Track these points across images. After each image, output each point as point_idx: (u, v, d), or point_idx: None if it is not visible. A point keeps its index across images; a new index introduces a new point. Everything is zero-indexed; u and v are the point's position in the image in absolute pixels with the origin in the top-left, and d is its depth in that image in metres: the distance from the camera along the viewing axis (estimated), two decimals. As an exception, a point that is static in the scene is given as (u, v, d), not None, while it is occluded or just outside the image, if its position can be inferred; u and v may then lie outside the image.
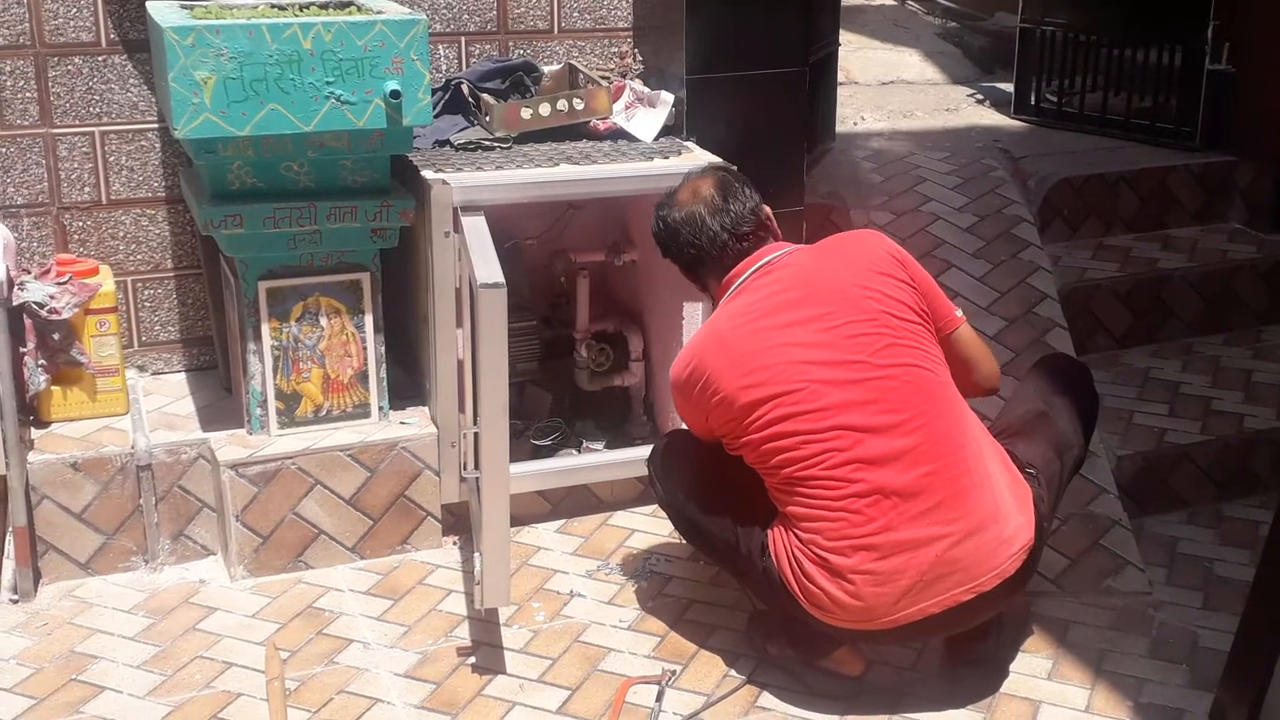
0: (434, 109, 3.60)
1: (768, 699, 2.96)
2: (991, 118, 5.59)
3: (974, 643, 3.02)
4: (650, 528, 3.65)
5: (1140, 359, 4.30)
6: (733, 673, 3.03)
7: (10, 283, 3.29)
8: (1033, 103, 5.51)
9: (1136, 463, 3.76)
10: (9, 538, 3.29)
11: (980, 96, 5.97)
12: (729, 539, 2.98)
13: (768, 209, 3.08)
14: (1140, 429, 3.87)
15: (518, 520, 3.54)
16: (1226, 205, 4.83)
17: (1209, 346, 4.40)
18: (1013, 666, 3.07)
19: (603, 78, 3.86)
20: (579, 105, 3.72)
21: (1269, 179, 4.76)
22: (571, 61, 3.97)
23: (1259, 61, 4.74)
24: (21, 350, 3.36)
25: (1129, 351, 4.34)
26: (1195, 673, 3.06)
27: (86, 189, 3.68)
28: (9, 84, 3.55)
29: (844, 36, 5.47)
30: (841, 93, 5.28)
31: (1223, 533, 3.69)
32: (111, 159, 3.68)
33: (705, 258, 3.01)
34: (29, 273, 3.51)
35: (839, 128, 5.07)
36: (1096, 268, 4.41)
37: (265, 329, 3.37)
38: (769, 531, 2.89)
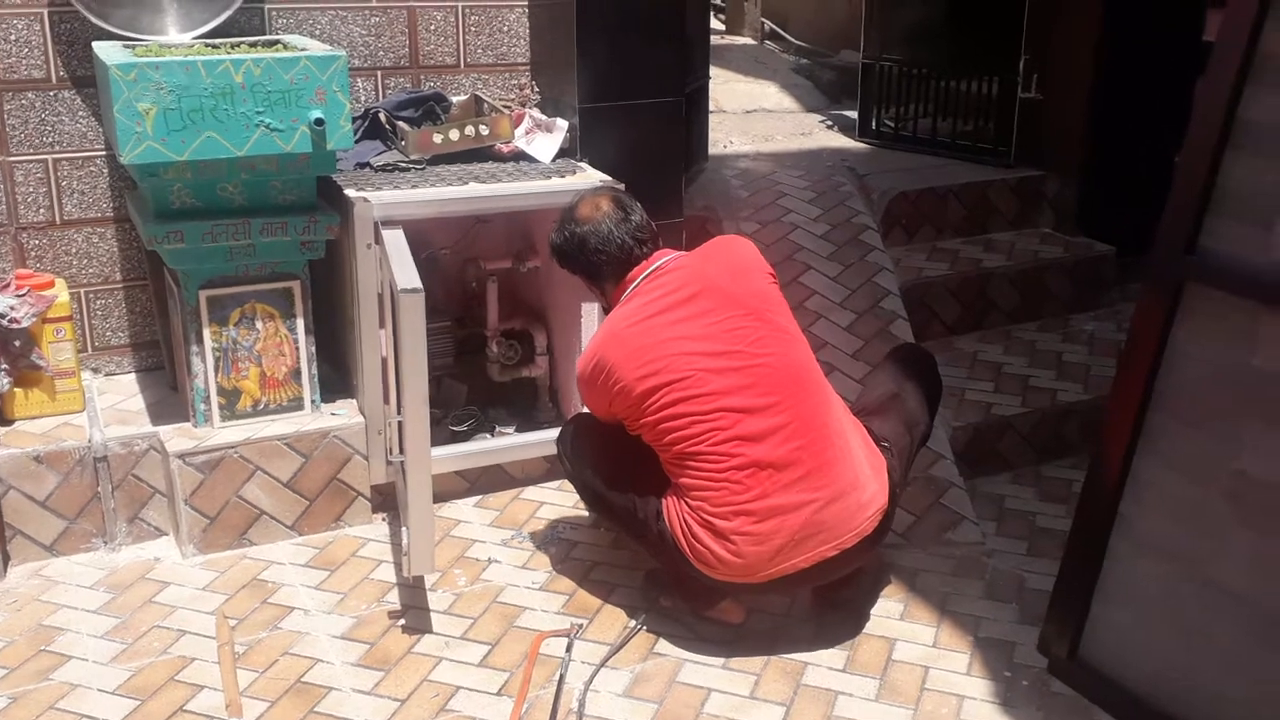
0: (355, 135, 3.51)
1: (663, 645, 2.95)
2: (839, 141, 5.63)
3: (838, 591, 3.04)
4: (557, 500, 3.62)
5: (969, 344, 4.36)
6: (633, 624, 3.02)
7: (-28, 296, 3.16)
8: (874, 127, 5.56)
9: (968, 432, 3.81)
10: (-23, 526, 3.17)
11: (830, 123, 6.01)
12: (628, 506, 2.96)
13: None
14: (970, 403, 3.93)
15: (439, 497, 3.48)
16: (1037, 213, 4.92)
17: (1025, 333, 4.48)
18: (871, 610, 3.10)
19: (505, 106, 3.81)
20: (484, 131, 3.67)
21: (1072, 190, 4.84)
22: (477, 92, 3.91)
23: (1061, 91, 4.84)
24: (-16, 356, 3.24)
25: (959, 338, 4.39)
26: (1024, 610, 3.11)
27: (42, 210, 3.54)
28: (-34, 116, 3.41)
29: (714, 71, 5.48)
30: (712, 120, 5.28)
31: (1042, 490, 3.76)
32: (64, 183, 3.54)
33: (611, 262, 2.99)
34: (-11, 286, 3.38)
35: (711, 150, 5.07)
36: (931, 267, 4.46)
37: (206, 333, 3.28)
38: (663, 500, 2.88)
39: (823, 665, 2.89)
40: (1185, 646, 2.57)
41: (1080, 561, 2.76)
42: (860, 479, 2.84)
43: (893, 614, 3.09)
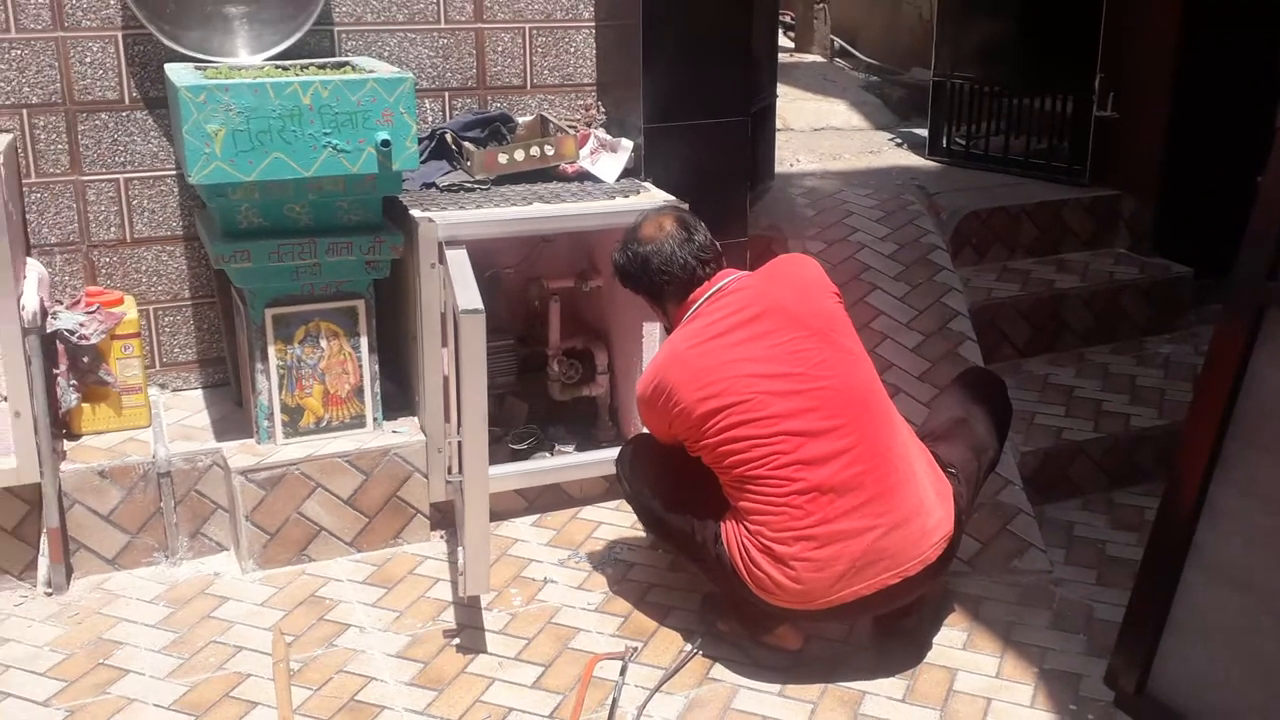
0: (421, 155, 3.52)
1: (718, 670, 2.90)
2: (909, 159, 5.55)
3: (899, 619, 2.97)
4: (615, 520, 3.58)
5: (1039, 367, 4.26)
6: (688, 648, 2.96)
7: (44, 312, 3.20)
8: (944, 145, 5.49)
9: (1038, 457, 3.71)
10: (44, 537, 3.19)
11: (899, 140, 5.94)
12: (686, 529, 2.92)
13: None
14: (1040, 428, 3.83)
15: (497, 515, 3.47)
16: (1113, 233, 4.81)
17: (1099, 355, 4.37)
18: (933, 639, 3.02)
19: (570, 127, 3.80)
20: (549, 151, 3.66)
21: (1148, 210, 4.74)
22: (542, 113, 3.91)
23: (1139, 109, 4.73)
24: (54, 372, 3.27)
25: (1030, 360, 4.30)
26: (1092, 641, 3.01)
27: (112, 229, 3.59)
28: (43, 137, 3.46)
29: (781, 89, 5.44)
30: (779, 138, 5.23)
31: (1113, 518, 3.65)
32: (135, 202, 3.59)
33: (674, 282, 2.95)
34: (61, 303, 3.44)
35: (777, 168, 5.01)
36: (1001, 288, 4.37)
37: (271, 350, 3.29)
38: (722, 523, 2.83)
39: (882, 695, 2.81)
40: (1262, 683, 2.46)
41: (1151, 592, 2.66)
42: (925, 505, 2.77)
43: (955, 643, 3.01)
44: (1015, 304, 4.30)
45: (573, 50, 3.97)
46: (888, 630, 2.99)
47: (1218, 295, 3.18)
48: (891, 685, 2.85)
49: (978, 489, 3.05)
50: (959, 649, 2.99)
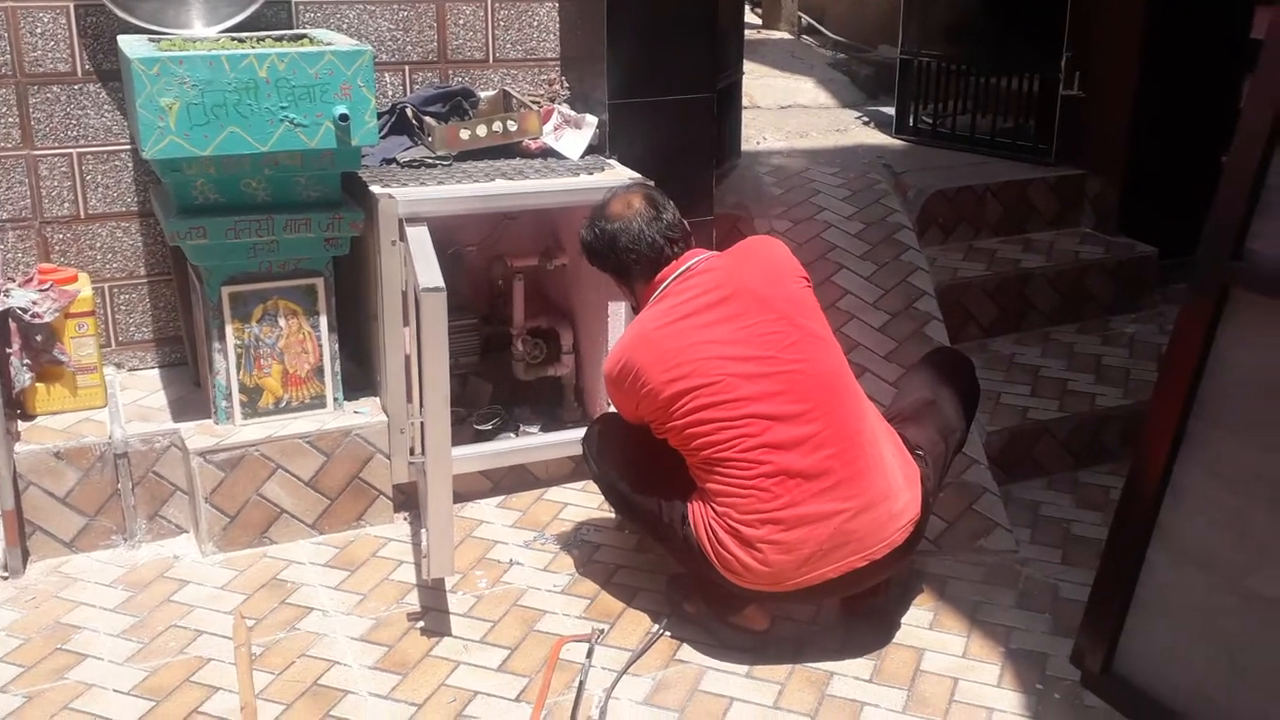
0: (381, 130, 3.49)
1: (685, 652, 2.90)
2: (876, 137, 5.56)
3: (866, 599, 2.98)
4: (581, 501, 3.57)
5: (1005, 346, 4.28)
6: (655, 629, 2.96)
7: (-5, 290, 3.15)
8: (911, 124, 5.49)
9: (1004, 437, 3.73)
10: (-2, 521, 3.15)
11: (866, 119, 5.94)
12: (654, 510, 2.91)
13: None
14: (1006, 407, 3.85)
15: (462, 497, 3.45)
16: (1078, 212, 4.83)
17: (1064, 335, 4.39)
18: (900, 619, 3.04)
19: (533, 102, 3.77)
20: (512, 127, 3.63)
21: (1114, 189, 4.76)
22: (505, 88, 3.87)
23: (1105, 88, 4.75)
24: (7, 351, 3.22)
25: (995, 340, 4.32)
26: (1057, 620, 3.03)
27: (66, 205, 3.53)
28: (-8, 109, 3.40)
29: (747, 66, 5.42)
30: (746, 115, 5.22)
31: (1078, 497, 3.68)
32: (88, 177, 3.53)
33: (641, 261, 2.93)
34: (13, 281, 3.37)
35: (744, 146, 5.01)
36: (967, 267, 4.38)
37: (229, 329, 3.25)
38: (689, 504, 2.83)
39: (849, 675, 2.82)
40: (1226, 662, 2.49)
41: (1116, 571, 2.68)
42: (893, 489, 2.78)
43: (922, 623, 3.02)
44: (981, 283, 4.31)
45: (536, 24, 3.93)
46: (855, 610, 3.00)
47: (1183, 275, 3.22)
48: (859, 665, 2.86)
49: (945, 470, 3.07)
50: (926, 629, 3.00)
